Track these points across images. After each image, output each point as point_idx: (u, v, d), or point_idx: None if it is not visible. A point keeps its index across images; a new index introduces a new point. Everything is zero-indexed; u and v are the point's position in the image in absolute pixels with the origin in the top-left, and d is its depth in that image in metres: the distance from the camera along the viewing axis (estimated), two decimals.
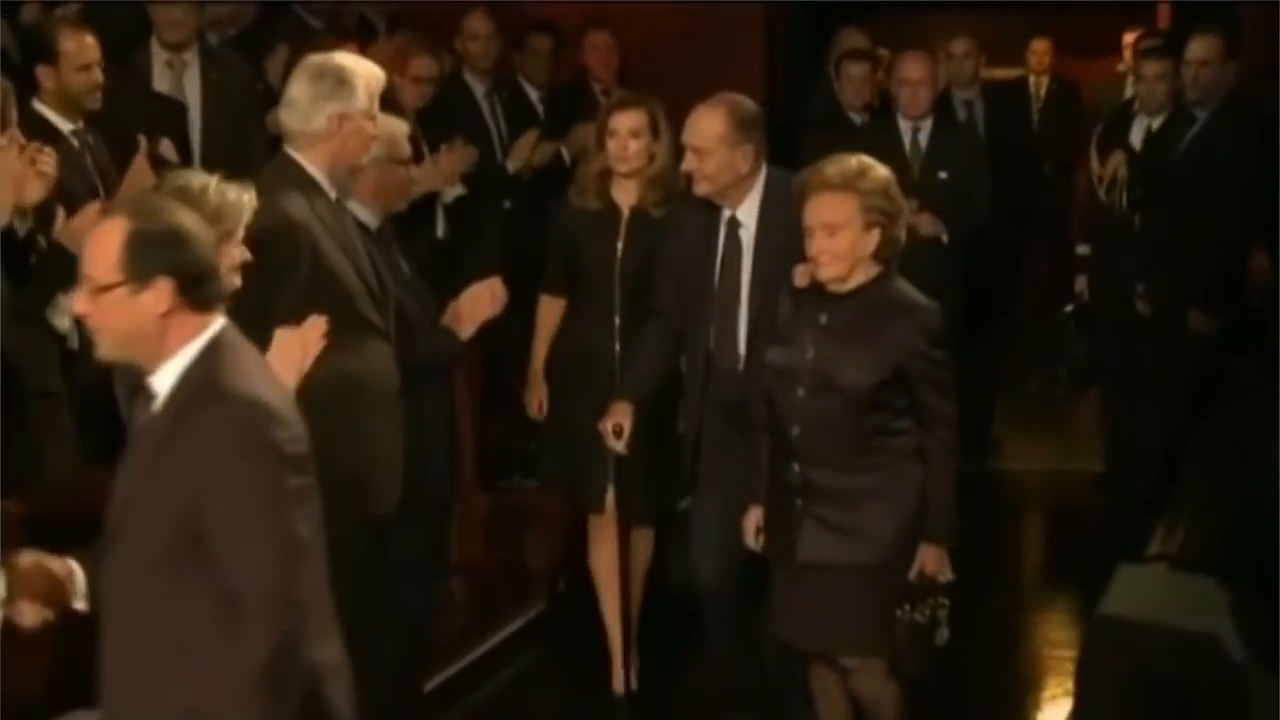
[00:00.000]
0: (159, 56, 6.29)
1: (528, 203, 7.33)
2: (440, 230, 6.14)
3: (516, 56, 7.75)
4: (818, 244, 4.41)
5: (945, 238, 6.96)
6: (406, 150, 5.05)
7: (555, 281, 5.75)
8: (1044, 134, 9.77)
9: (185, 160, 5.96)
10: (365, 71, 4.52)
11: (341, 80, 4.44)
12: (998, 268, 8.17)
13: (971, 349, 7.68)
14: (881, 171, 4.46)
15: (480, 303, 4.96)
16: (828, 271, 4.42)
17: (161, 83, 6.28)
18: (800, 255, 4.62)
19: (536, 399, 5.75)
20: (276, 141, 4.69)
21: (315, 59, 4.56)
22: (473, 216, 6.79)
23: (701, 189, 5.11)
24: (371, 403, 4.48)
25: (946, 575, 4.48)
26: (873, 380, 4.37)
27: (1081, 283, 7.73)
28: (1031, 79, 10.15)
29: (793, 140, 7.44)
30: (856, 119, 7.79)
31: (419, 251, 5.17)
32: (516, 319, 5.42)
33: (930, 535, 4.47)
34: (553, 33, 7.77)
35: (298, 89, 4.46)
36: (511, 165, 7.30)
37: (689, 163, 5.11)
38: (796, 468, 4.46)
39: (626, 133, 5.49)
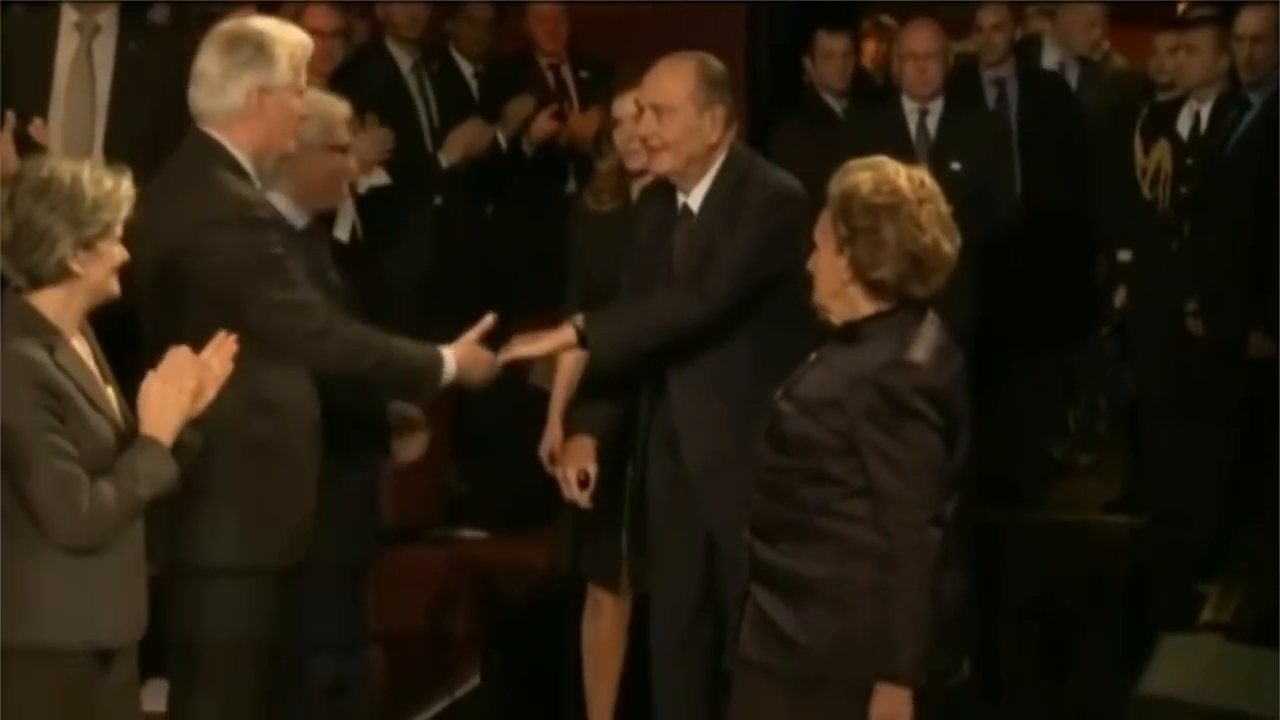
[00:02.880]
0: (67, 16, 6.12)
1: (463, 200, 7.24)
2: (347, 231, 6.01)
3: (449, 25, 7.74)
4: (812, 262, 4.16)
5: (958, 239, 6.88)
6: (344, 136, 4.95)
7: (578, 304, 5.46)
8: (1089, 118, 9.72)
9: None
10: (289, 38, 4.44)
11: (260, 48, 4.37)
12: (1025, 276, 8.08)
13: (990, 374, 7.57)
14: (855, 177, 4.03)
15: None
16: (815, 297, 4.12)
17: (67, 48, 6.11)
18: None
19: (551, 444, 5.46)
20: None
21: (228, 25, 4.46)
22: (395, 215, 6.68)
23: (660, 163, 4.93)
24: (292, 434, 4.45)
25: None
26: (813, 438, 3.98)
27: (1123, 295, 7.65)
28: None
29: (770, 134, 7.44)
30: (835, 105, 7.76)
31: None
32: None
33: (881, 671, 3.87)
34: None
35: (208, 61, 4.39)
36: (446, 159, 7.29)
37: (646, 126, 4.90)
38: (746, 534, 4.12)
39: (633, 119, 5.16)
